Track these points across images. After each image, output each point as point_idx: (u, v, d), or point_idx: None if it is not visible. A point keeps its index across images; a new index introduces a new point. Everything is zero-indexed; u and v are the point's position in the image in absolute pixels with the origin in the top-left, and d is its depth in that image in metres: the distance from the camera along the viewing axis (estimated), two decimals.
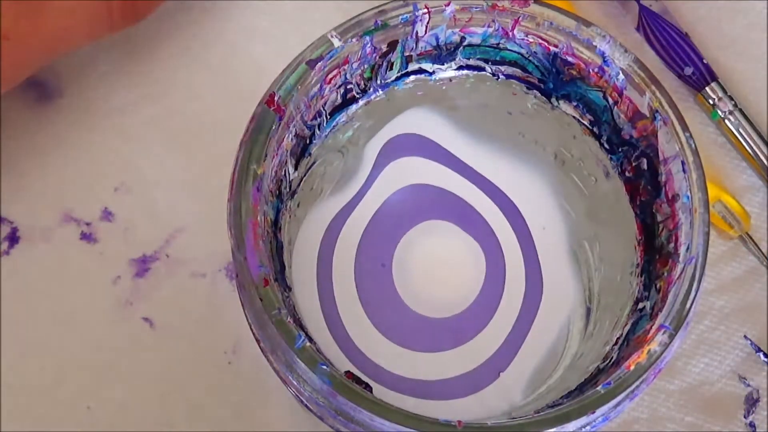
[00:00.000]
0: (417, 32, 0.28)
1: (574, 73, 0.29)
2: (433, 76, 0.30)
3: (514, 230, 0.30)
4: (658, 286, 0.27)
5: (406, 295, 0.29)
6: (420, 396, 0.28)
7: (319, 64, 0.27)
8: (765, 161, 0.37)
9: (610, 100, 0.28)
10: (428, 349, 0.28)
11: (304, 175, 0.29)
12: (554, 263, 0.29)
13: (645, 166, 0.28)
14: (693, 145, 0.27)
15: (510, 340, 0.28)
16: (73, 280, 0.35)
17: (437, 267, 0.30)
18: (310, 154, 0.29)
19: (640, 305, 0.27)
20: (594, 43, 0.28)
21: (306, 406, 0.24)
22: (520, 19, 0.28)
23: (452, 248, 0.30)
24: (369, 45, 0.27)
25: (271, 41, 0.38)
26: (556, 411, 0.24)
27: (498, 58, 0.29)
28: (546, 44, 0.28)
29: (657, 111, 0.27)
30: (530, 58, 0.29)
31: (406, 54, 0.29)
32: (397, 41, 0.28)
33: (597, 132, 0.29)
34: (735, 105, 0.37)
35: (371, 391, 0.27)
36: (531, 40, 0.28)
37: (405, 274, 0.29)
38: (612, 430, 0.34)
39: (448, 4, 0.28)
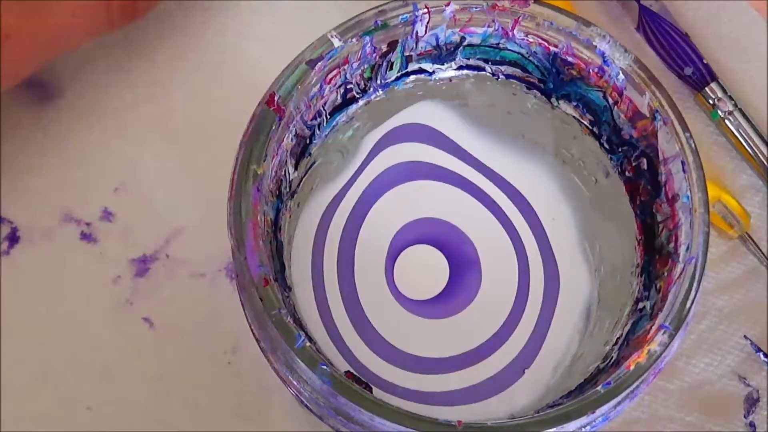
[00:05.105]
0: (417, 32, 0.28)
1: (574, 73, 0.29)
2: (433, 76, 0.30)
3: (525, 219, 0.29)
4: (658, 286, 0.27)
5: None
6: (420, 402, 0.27)
7: (319, 64, 0.27)
8: (765, 161, 0.36)
9: (610, 100, 0.28)
10: (432, 371, 0.28)
11: (304, 175, 0.29)
12: (567, 255, 0.29)
13: (645, 166, 0.28)
14: (693, 145, 0.27)
15: (531, 341, 0.28)
16: (73, 280, 0.35)
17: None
18: (310, 154, 0.29)
19: (640, 305, 0.27)
20: (594, 43, 0.28)
21: (306, 406, 0.24)
22: (520, 19, 0.28)
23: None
24: (369, 45, 0.27)
25: (271, 41, 0.38)
26: (556, 411, 0.24)
27: (498, 58, 0.29)
28: (546, 44, 0.28)
29: (657, 111, 0.27)
30: (530, 58, 0.29)
31: (406, 54, 0.29)
32: (397, 41, 0.28)
33: (597, 132, 0.29)
34: (735, 105, 0.37)
35: (371, 391, 0.27)
36: (531, 40, 0.28)
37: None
38: (612, 430, 0.34)
39: (448, 4, 0.28)
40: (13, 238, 0.35)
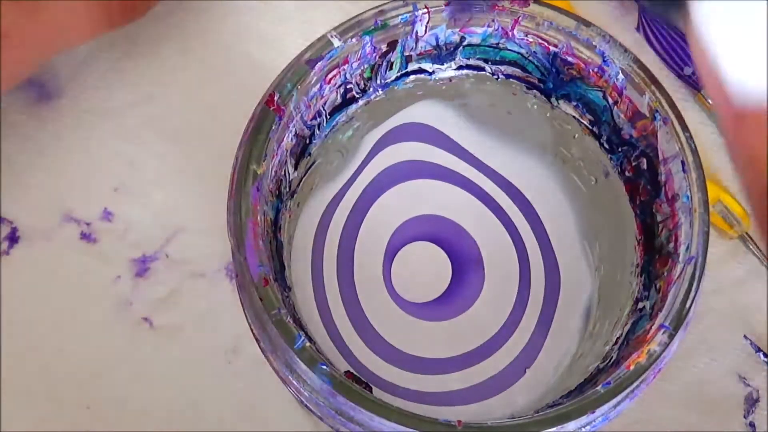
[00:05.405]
0: (417, 32, 0.28)
1: (574, 73, 0.29)
2: (433, 76, 0.30)
3: (526, 219, 0.29)
4: (658, 286, 0.27)
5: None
6: (420, 402, 0.27)
7: (319, 64, 0.27)
8: None
9: (610, 100, 0.28)
10: (433, 371, 0.28)
11: (304, 175, 0.29)
12: (567, 255, 0.29)
13: (645, 166, 0.28)
14: (693, 145, 0.27)
15: (532, 341, 0.28)
16: (73, 280, 0.35)
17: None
18: (310, 154, 0.29)
19: (640, 305, 0.27)
20: (594, 43, 0.28)
21: (306, 406, 0.24)
22: (520, 19, 0.28)
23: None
24: (369, 45, 0.27)
25: (271, 41, 0.38)
26: (556, 411, 0.24)
27: (498, 58, 0.29)
28: (546, 44, 0.28)
29: (657, 111, 0.27)
30: (530, 58, 0.29)
31: (406, 54, 0.29)
32: (397, 41, 0.28)
33: (597, 132, 0.29)
34: None
35: (371, 391, 0.27)
36: (531, 40, 0.28)
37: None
38: (612, 430, 0.34)
39: (448, 4, 0.28)
40: (13, 238, 0.35)
